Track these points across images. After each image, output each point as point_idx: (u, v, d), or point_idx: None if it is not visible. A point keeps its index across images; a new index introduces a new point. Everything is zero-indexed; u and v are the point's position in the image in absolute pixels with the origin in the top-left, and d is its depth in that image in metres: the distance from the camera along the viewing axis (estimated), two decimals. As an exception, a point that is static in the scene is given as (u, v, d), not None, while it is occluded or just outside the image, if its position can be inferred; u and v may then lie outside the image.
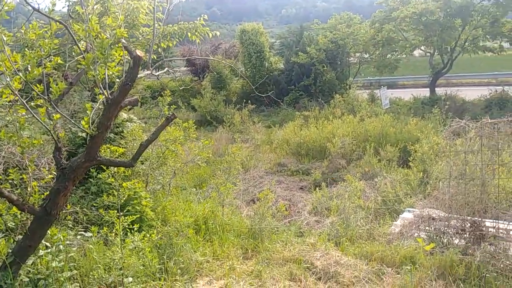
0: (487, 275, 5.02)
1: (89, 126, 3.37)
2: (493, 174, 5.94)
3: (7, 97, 3.68)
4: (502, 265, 5.13)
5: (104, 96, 3.40)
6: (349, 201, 7.47)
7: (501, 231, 5.66)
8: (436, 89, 20.37)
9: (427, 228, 6.22)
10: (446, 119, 12.64)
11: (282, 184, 11.10)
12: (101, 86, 3.36)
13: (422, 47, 20.86)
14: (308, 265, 5.75)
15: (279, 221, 7.64)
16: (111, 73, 3.54)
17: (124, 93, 3.34)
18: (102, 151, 4.37)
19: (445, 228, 5.99)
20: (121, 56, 3.53)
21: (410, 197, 8.30)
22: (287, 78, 21.90)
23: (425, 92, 20.20)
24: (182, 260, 5.60)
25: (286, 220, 8.06)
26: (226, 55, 24.57)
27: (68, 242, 4.83)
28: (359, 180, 8.98)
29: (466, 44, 18.46)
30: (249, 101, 18.22)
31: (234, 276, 5.48)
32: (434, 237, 5.99)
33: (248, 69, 22.83)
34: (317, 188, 9.46)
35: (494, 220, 5.71)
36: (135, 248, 4.97)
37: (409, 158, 9.87)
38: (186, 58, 8.09)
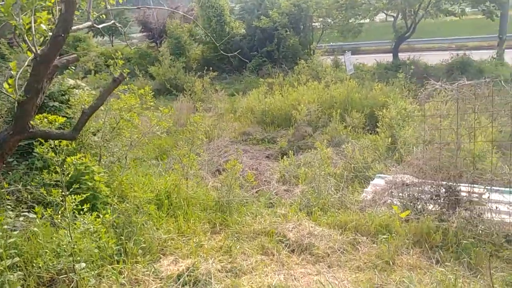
0: (464, 241, 4.86)
1: (14, 90, 2.72)
2: (469, 138, 5.74)
3: None
4: (479, 231, 4.99)
5: (32, 53, 2.74)
6: (319, 169, 7.15)
7: (475, 195, 5.50)
8: (398, 54, 20.29)
9: (400, 194, 6.00)
10: (411, 84, 12.50)
11: (247, 153, 10.70)
12: (27, 40, 2.69)
13: (386, 11, 20.57)
14: (281, 238, 5.42)
15: (247, 192, 7.24)
16: (41, 26, 2.86)
17: (56, 47, 2.69)
18: (38, 121, 3.68)
19: (419, 194, 5.78)
20: (52, 2, 2.85)
21: (379, 162, 8.10)
22: (249, 44, 21.05)
23: (387, 58, 20.08)
24: (143, 240, 5.11)
25: (254, 190, 7.67)
26: (184, 19, 23.30)
27: (7, 226, 4.21)
28: (326, 147, 8.70)
29: (429, 7, 18.30)
30: (211, 68, 17.38)
31: (202, 254, 5.06)
32: (408, 203, 5.78)
33: (208, 34, 21.75)
34: (284, 157, 9.15)
35: (470, 185, 5.54)
36: (87, 230, 4.39)
37: (377, 124, 9.66)
38: (136, 8, 7.29)
